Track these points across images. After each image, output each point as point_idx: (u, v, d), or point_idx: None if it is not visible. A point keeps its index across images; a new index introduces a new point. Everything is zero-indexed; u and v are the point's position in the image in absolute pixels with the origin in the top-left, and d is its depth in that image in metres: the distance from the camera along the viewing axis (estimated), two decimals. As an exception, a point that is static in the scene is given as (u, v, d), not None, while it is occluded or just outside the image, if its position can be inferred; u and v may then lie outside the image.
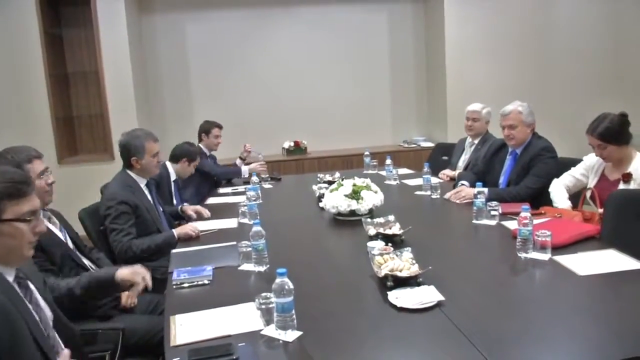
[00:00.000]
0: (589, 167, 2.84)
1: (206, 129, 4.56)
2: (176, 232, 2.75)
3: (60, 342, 1.52)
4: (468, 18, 5.74)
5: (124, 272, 1.86)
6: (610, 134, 2.57)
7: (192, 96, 5.99)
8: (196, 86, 5.98)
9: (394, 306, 1.67)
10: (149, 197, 2.89)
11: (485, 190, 2.79)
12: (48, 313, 1.53)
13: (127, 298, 2.28)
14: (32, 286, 1.50)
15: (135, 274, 1.86)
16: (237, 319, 1.67)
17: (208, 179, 4.45)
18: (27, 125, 4.97)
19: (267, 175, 4.44)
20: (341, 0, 6.07)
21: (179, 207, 3.29)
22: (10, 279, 1.42)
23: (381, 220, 2.48)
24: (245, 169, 4.58)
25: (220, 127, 4.59)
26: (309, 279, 2.01)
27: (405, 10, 6.23)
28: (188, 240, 2.71)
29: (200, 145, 4.50)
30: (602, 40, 6.04)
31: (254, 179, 3.84)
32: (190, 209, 3.22)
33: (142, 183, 2.88)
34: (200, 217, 3.15)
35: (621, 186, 2.59)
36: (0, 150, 2.11)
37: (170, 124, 5.90)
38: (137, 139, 2.81)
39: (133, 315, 2.21)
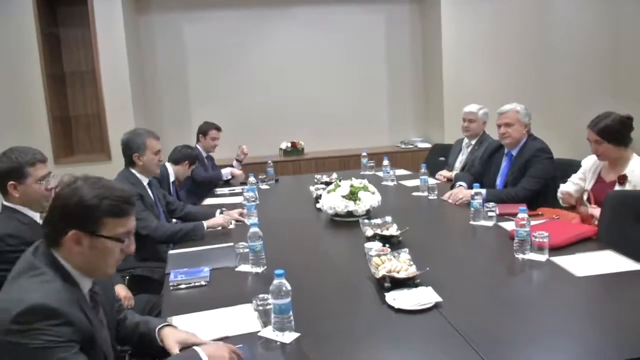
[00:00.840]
0: (586, 170, 2.83)
1: (204, 130, 4.52)
2: (207, 223, 2.78)
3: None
4: (465, 19, 5.74)
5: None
6: (609, 132, 2.57)
7: (189, 96, 5.97)
8: (193, 86, 5.96)
9: (392, 307, 1.67)
10: (151, 195, 2.90)
11: (483, 191, 2.80)
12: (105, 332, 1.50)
13: (125, 300, 2.28)
14: (100, 304, 1.47)
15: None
16: (235, 320, 1.67)
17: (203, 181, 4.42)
18: (24, 125, 4.94)
19: (267, 177, 4.32)
20: (339, 1, 6.07)
21: (219, 210, 3.06)
22: (85, 289, 1.39)
23: (378, 221, 2.48)
24: (227, 172, 4.47)
25: (218, 129, 4.53)
26: (306, 280, 2.01)
27: (403, 11, 6.23)
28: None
29: (197, 145, 4.47)
30: (601, 40, 6.03)
31: (251, 179, 3.82)
32: (236, 214, 3.00)
33: (145, 182, 2.89)
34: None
35: (617, 188, 2.59)
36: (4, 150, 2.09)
37: (168, 123, 5.88)
38: (138, 136, 2.85)
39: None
